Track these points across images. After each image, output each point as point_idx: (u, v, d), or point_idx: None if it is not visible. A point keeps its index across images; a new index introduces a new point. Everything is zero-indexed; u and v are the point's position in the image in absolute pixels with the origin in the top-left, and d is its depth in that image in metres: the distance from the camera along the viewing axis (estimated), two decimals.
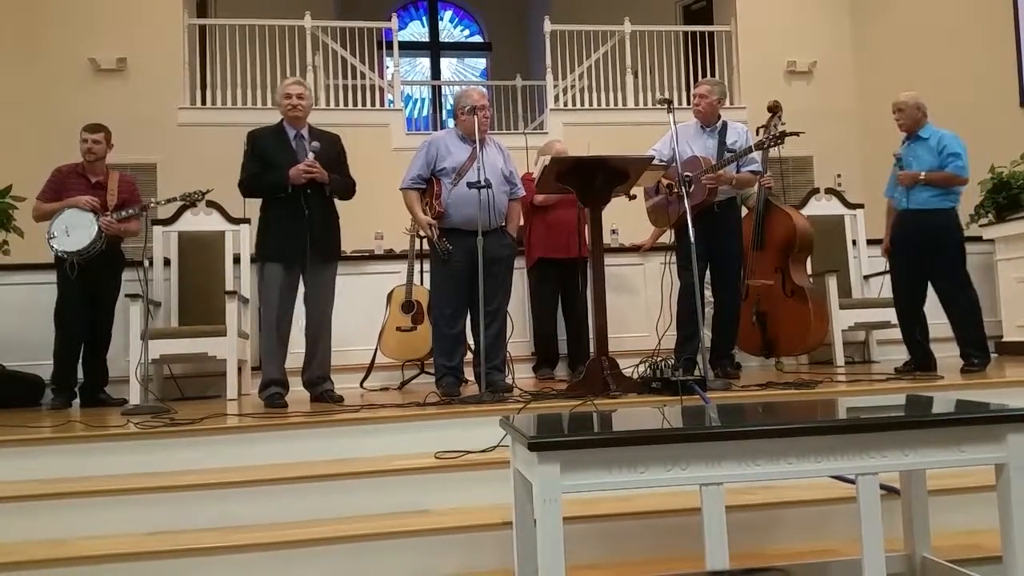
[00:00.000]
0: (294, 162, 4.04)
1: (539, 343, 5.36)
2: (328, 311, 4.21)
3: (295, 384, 4.36)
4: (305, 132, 4.21)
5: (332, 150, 4.22)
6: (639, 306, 5.67)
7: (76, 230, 4.40)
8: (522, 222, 4.91)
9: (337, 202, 4.28)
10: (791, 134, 4.28)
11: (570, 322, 5.24)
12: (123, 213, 4.52)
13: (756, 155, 4.47)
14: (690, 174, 4.21)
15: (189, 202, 4.56)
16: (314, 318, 4.17)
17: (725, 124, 4.47)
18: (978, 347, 4.33)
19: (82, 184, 4.59)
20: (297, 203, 4.03)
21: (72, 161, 4.75)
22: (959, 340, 4.41)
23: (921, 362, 4.44)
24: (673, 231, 4.63)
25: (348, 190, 4.27)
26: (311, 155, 4.03)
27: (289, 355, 4.23)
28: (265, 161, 4.12)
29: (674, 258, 4.55)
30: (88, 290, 4.54)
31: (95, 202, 4.46)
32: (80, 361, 4.65)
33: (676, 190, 4.18)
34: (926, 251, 4.34)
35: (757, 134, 4.81)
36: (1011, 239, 5.75)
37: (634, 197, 4.43)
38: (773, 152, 4.79)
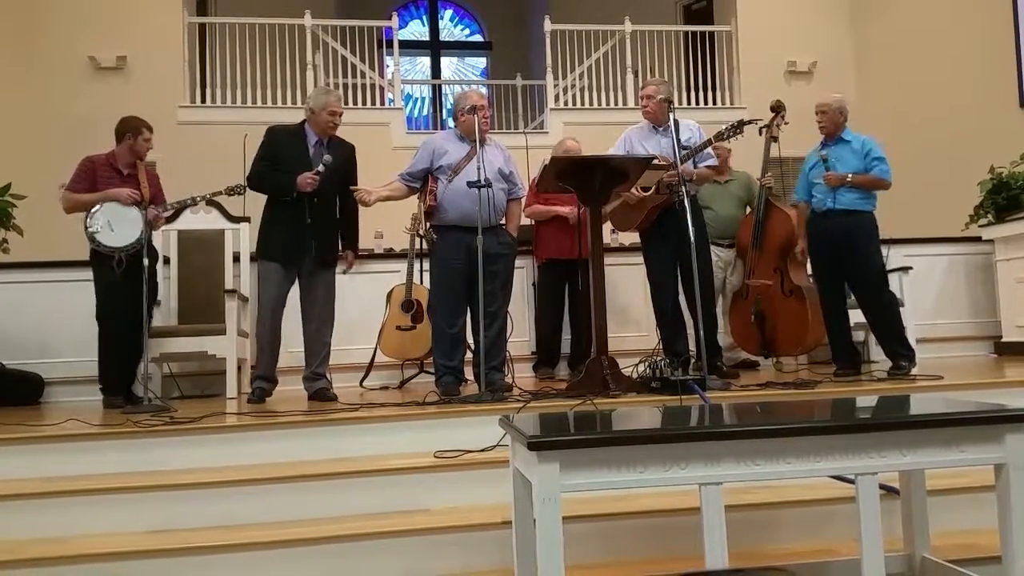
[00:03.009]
0: (308, 169, 4.08)
1: (541, 341, 5.37)
2: (330, 314, 4.23)
3: (294, 382, 4.37)
4: (324, 140, 4.23)
5: (346, 161, 4.27)
6: (639, 306, 5.68)
7: (121, 225, 4.24)
8: (525, 221, 4.93)
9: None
10: (749, 122, 4.29)
11: (574, 321, 5.25)
12: (170, 207, 4.46)
13: (710, 150, 4.46)
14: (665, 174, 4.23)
15: (232, 194, 4.51)
16: (315, 320, 4.19)
17: (676, 122, 4.45)
18: (903, 345, 4.34)
19: (115, 176, 4.42)
20: (301, 208, 4.09)
21: (89, 154, 4.53)
22: (883, 340, 4.40)
23: (852, 361, 4.45)
24: (639, 234, 4.63)
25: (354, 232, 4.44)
26: (322, 167, 4.08)
27: (289, 354, 4.23)
28: (278, 161, 4.15)
29: None
30: (132, 287, 4.36)
31: (136, 195, 4.31)
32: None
33: (675, 189, 4.18)
34: (847, 252, 4.34)
35: (760, 134, 4.81)
36: (1010, 239, 5.75)
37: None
38: (773, 151, 4.80)
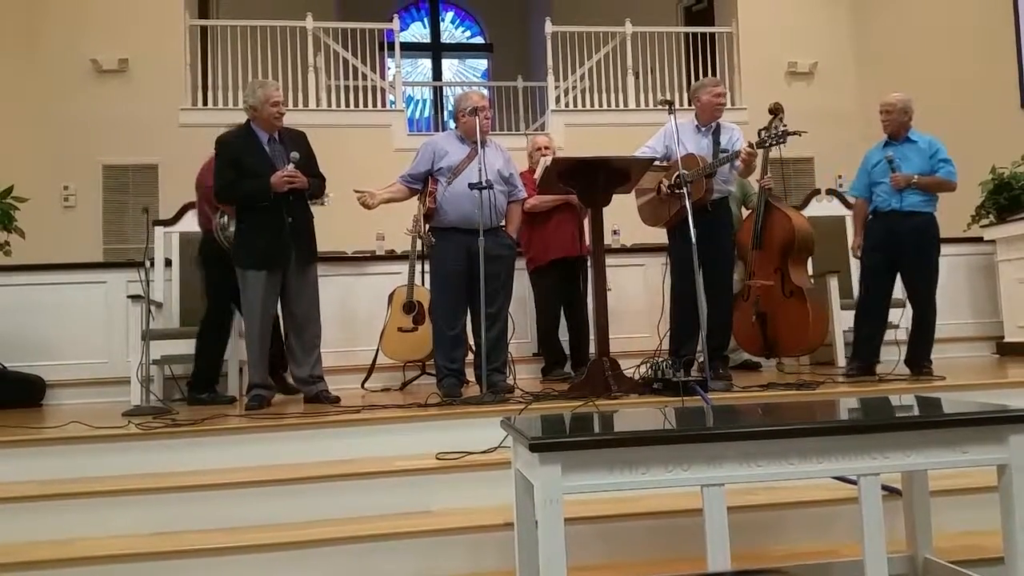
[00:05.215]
0: (272, 168, 3.96)
1: (548, 348, 5.19)
2: (317, 311, 4.17)
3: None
4: (276, 135, 4.12)
5: (306, 151, 4.14)
6: (640, 307, 5.67)
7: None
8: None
9: (326, 202, 4.27)
10: (793, 133, 4.26)
11: (572, 323, 5.16)
12: None
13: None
14: (687, 172, 4.20)
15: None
16: (303, 320, 4.11)
17: (719, 124, 4.45)
18: (929, 352, 4.40)
19: None
20: (279, 211, 3.97)
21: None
22: (921, 343, 4.39)
23: (869, 363, 4.44)
24: (667, 230, 4.60)
25: (323, 190, 4.24)
26: (291, 165, 3.94)
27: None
28: (241, 168, 4.00)
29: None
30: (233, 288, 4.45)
31: None
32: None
33: (677, 190, 4.17)
34: (911, 253, 4.35)
35: (758, 136, 4.80)
36: (1012, 240, 5.75)
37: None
38: (774, 153, 4.78)
